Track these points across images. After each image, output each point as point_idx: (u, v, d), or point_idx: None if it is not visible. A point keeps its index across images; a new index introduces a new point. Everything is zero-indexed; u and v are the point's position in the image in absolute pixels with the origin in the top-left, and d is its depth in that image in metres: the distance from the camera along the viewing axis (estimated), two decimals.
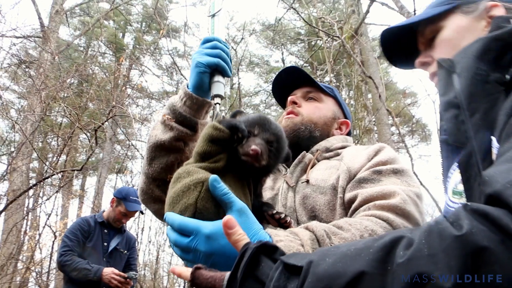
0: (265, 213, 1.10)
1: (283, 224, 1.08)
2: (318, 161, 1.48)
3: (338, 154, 1.49)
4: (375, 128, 9.68)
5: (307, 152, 1.50)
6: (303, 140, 1.53)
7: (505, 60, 0.81)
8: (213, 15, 1.41)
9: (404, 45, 1.21)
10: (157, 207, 1.34)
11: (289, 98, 1.65)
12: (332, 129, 1.63)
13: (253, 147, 1.00)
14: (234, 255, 0.76)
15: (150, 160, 1.30)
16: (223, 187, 0.92)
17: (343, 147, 1.52)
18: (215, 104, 1.23)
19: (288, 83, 1.69)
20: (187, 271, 0.79)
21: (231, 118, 1.09)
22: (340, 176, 1.33)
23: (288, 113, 1.59)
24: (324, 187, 1.33)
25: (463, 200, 0.84)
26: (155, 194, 1.33)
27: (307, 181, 1.37)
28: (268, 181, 1.50)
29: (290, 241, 0.94)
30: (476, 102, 0.80)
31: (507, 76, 0.77)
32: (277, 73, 1.70)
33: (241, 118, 1.14)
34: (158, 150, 1.29)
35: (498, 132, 0.73)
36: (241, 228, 0.82)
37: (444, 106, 0.88)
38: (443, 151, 0.96)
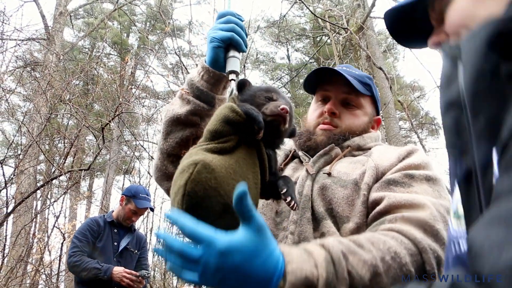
0: (280, 192, 1.09)
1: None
2: (345, 157, 1.41)
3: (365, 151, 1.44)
4: (383, 123, 9.57)
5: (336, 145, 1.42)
6: (336, 142, 1.45)
7: None
8: None
9: (414, 22, 1.02)
10: (170, 185, 1.28)
11: (327, 108, 1.47)
12: (368, 130, 1.54)
13: (283, 106, 1.00)
14: (245, 274, 0.79)
15: (165, 134, 1.28)
16: (249, 202, 0.82)
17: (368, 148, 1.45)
18: (230, 80, 1.17)
19: (322, 75, 1.54)
20: None
21: (250, 107, 1.03)
22: (366, 173, 1.27)
23: (325, 123, 1.47)
24: (345, 180, 1.27)
25: (462, 227, 0.68)
26: (168, 170, 1.31)
27: (329, 174, 1.31)
28: (289, 170, 1.43)
29: (303, 262, 0.86)
30: (481, 101, 0.61)
31: None
32: (310, 72, 1.55)
33: (250, 88, 1.16)
34: (174, 124, 1.27)
35: (501, 144, 0.57)
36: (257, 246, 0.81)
37: (445, 105, 0.71)
38: (449, 156, 0.81)
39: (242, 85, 1.17)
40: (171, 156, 1.29)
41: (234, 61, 1.20)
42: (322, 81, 1.53)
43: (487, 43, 0.62)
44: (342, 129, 1.46)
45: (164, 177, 1.33)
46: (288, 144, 1.58)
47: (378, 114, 1.60)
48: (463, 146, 0.65)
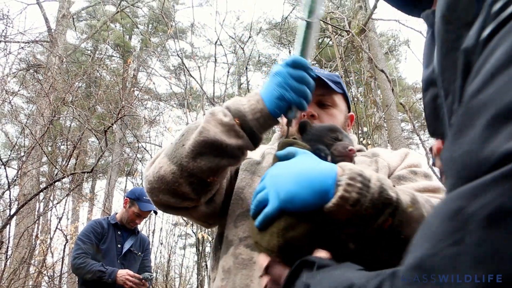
0: None
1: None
2: None
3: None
4: (385, 125, 9.56)
5: None
6: None
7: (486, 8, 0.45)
8: (308, 21, 1.15)
9: None
10: (167, 199, 1.20)
11: (305, 111, 1.41)
12: (345, 128, 1.54)
13: (350, 147, 1.05)
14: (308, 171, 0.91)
15: (195, 154, 1.13)
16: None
17: (360, 150, 1.48)
18: (288, 125, 1.19)
19: None
20: (265, 261, 0.87)
21: (323, 148, 1.06)
22: (380, 171, 1.31)
23: None
24: None
25: None
26: (180, 189, 1.17)
27: None
28: None
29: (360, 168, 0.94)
30: (447, 78, 0.53)
31: (483, 35, 0.43)
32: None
33: (312, 128, 1.15)
34: (212, 148, 1.13)
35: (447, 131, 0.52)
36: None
37: (424, 84, 0.64)
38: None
39: (304, 126, 1.14)
40: (194, 177, 1.16)
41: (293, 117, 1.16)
42: None
43: (447, 7, 0.53)
44: None
45: (168, 191, 1.18)
46: (257, 153, 1.49)
47: (350, 110, 1.61)
48: (440, 127, 0.60)
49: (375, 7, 8.69)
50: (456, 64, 0.49)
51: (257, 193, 0.96)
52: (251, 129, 1.15)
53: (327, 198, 0.85)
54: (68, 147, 8.74)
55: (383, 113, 8.66)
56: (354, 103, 8.46)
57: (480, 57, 0.41)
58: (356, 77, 11.00)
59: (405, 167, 1.33)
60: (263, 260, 0.88)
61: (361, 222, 0.85)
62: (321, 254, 0.82)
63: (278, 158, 1.00)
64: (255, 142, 1.18)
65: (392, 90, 6.74)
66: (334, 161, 1.00)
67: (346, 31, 7.18)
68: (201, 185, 1.15)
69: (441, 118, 0.58)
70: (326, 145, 1.07)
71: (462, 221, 0.35)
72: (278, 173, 0.93)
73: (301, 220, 0.86)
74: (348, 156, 1.03)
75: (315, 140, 1.09)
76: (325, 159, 1.00)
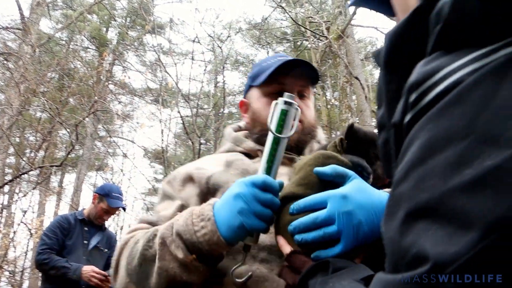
0: None
1: None
2: None
3: None
4: None
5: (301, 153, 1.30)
6: (308, 137, 1.34)
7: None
8: (279, 136, 0.99)
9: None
10: None
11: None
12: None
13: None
14: (370, 204, 0.83)
15: (157, 284, 1.02)
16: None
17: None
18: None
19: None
20: (288, 247, 0.87)
21: (358, 158, 0.95)
22: None
23: None
24: None
25: None
26: None
27: None
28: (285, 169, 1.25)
29: None
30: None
31: (406, 119, 0.42)
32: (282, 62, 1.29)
33: (359, 133, 1.00)
34: (178, 284, 1.02)
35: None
36: None
37: (377, 126, 0.59)
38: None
39: (354, 132, 1.00)
40: None
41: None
42: (276, 73, 1.29)
43: (385, 61, 0.50)
44: (306, 122, 1.31)
45: None
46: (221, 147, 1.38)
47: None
48: (392, 172, 0.54)
49: (354, 13, 8.82)
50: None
51: (320, 220, 0.84)
52: (210, 259, 1.00)
53: None
54: (38, 139, 8.52)
55: (357, 119, 8.79)
56: (328, 108, 8.56)
57: (405, 141, 0.41)
58: (332, 82, 11.14)
59: None
60: (285, 246, 0.88)
61: None
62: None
63: (319, 176, 0.89)
64: (218, 261, 1.03)
65: (366, 97, 6.86)
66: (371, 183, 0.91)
67: (324, 36, 7.26)
68: None
69: (392, 163, 0.53)
70: (369, 162, 0.96)
71: None
72: (352, 210, 0.82)
73: None
74: (384, 184, 0.95)
75: (360, 154, 0.97)
76: (365, 179, 0.91)
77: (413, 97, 0.41)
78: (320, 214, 0.84)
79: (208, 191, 1.15)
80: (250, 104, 1.36)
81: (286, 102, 0.99)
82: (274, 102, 1.01)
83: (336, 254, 0.82)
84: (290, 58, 1.31)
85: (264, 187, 0.93)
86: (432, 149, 0.36)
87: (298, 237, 0.85)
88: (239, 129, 1.41)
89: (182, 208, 1.15)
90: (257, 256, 1.05)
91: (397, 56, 0.49)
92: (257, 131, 1.30)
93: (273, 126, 0.98)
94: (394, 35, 0.48)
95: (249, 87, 1.39)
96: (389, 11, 0.79)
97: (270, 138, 0.99)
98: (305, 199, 0.87)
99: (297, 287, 0.78)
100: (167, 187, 1.23)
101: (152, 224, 1.14)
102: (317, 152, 0.95)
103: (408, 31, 0.46)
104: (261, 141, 1.24)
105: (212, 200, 1.00)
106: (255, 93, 1.35)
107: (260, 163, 0.99)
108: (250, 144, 1.31)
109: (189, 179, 1.19)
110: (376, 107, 0.58)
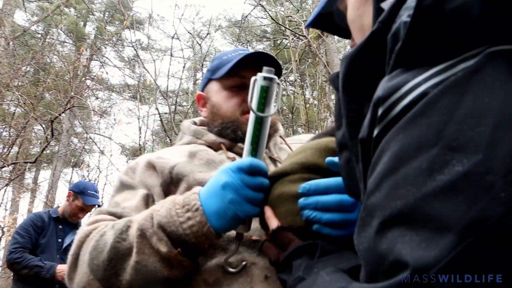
0: None
1: None
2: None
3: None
4: None
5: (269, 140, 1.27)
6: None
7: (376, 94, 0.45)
8: (261, 115, 0.93)
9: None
10: None
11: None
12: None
13: None
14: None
15: (130, 281, 0.95)
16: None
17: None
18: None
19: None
20: (275, 222, 0.84)
21: None
22: None
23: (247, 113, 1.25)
24: None
25: None
26: None
27: None
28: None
29: None
30: (355, 146, 0.51)
31: (374, 133, 0.44)
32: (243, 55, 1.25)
33: None
34: (155, 281, 0.96)
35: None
36: None
37: (338, 146, 0.61)
38: None
39: None
40: None
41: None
42: (237, 67, 1.26)
43: (343, 83, 0.52)
44: None
45: None
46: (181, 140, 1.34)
47: None
48: (356, 189, 0.56)
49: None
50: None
51: (346, 204, 0.81)
52: (196, 252, 0.96)
53: None
54: (11, 134, 8.31)
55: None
56: (307, 107, 8.61)
57: (375, 154, 0.42)
58: (311, 81, 11.21)
59: None
60: (272, 219, 0.84)
61: None
62: None
63: (327, 164, 0.85)
64: (200, 255, 0.98)
65: None
66: None
67: (303, 35, 7.30)
68: None
69: (356, 180, 0.55)
70: None
71: None
72: None
73: None
74: None
75: None
76: None
77: (380, 111, 0.42)
78: (346, 198, 0.79)
79: (171, 181, 1.11)
80: (210, 98, 1.33)
81: (266, 78, 0.91)
82: (253, 78, 0.94)
83: (337, 236, 0.79)
84: (251, 51, 1.28)
85: (252, 170, 0.89)
86: (403, 158, 0.38)
87: (308, 213, 0.81)
88: (195, 124, 1.39)
89: (147, 197, 1.10)
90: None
91: (356, 76, 0.51)
92: (218, 124, 1.27)
93: (254, 105, 0.92)
94: (353, 57, 0.50)
95: (208, 80, 1.35)
96: (345, 34, 0.85)
97: (252, 119, 0.93)
98: (325, 180, 0.82)
99: (280, 265, 0.76)
100: (125, 177, 1.17)
101: (116, 215, 1.06)
102: (324, 139, 0.90)
103: (366, 53, 0.49)
104: (222, 133, 1.26)
105: (196, 189, 0.95)
106: (214, 86, 1.32)
107: (244, 146, 0.95)
108: (211, 136, 1.27)
109: (151, 167, 1.15)
110: (336, 128, 0.60)
